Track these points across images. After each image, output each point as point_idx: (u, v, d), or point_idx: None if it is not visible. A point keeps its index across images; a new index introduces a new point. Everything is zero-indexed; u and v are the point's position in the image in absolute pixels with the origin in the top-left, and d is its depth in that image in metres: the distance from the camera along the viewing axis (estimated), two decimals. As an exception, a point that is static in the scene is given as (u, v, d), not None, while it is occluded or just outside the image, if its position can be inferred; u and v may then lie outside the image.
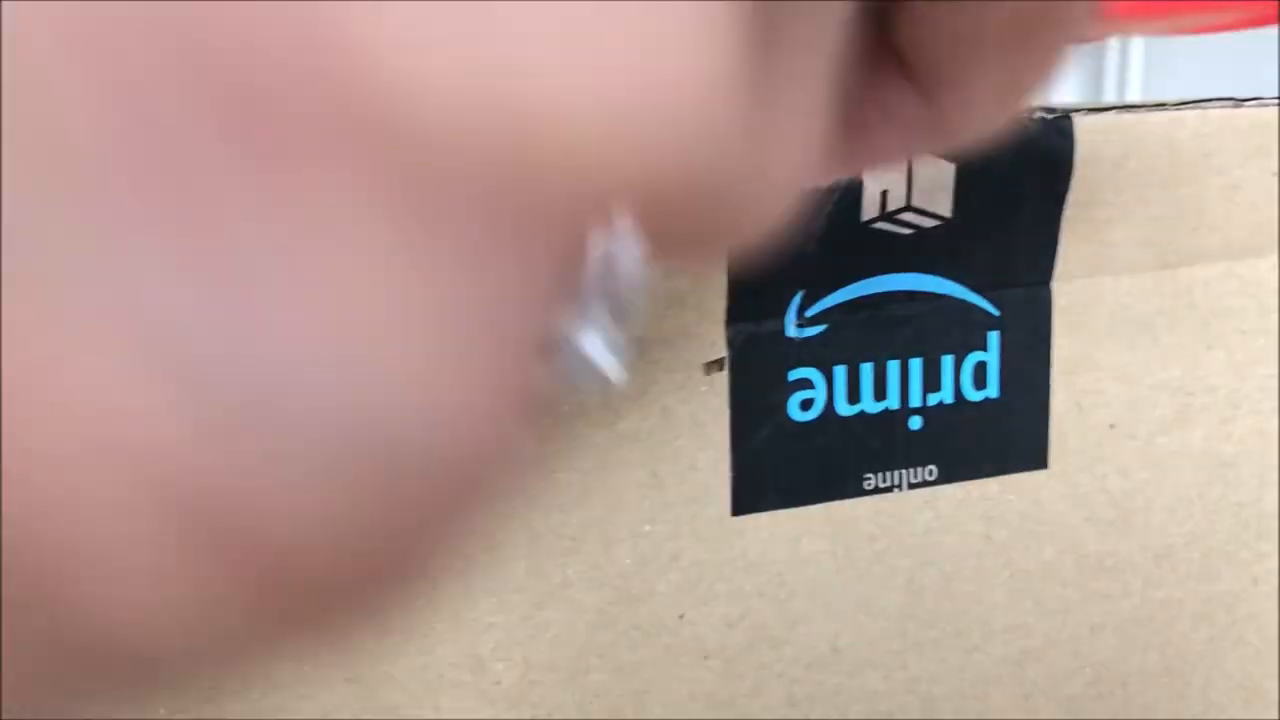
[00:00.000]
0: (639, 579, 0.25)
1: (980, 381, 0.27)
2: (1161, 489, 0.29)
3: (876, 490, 0.26)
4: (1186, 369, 0.29)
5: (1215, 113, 0.27)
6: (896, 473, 0.27)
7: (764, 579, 0.26)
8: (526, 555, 0.24)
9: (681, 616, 0.25)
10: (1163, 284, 0.28)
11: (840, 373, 0.25)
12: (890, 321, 0.26)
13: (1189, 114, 0.27)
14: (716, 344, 0.24)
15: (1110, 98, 1.18)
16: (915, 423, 0.26)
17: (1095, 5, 0.12)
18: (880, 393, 0.26)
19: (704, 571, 0.25)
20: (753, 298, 0.24)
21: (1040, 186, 0.26)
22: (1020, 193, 0.26)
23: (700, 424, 0.25)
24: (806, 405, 0.25)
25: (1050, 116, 0.25)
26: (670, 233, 0.08)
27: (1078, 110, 0.26)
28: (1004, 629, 0.29)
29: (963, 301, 0.26)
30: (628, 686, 0.25)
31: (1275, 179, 0.28)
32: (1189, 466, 0.29)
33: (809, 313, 0.25)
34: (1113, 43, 1.20)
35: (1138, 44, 1.19)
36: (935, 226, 0.25)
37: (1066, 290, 0.27)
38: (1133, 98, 1.20)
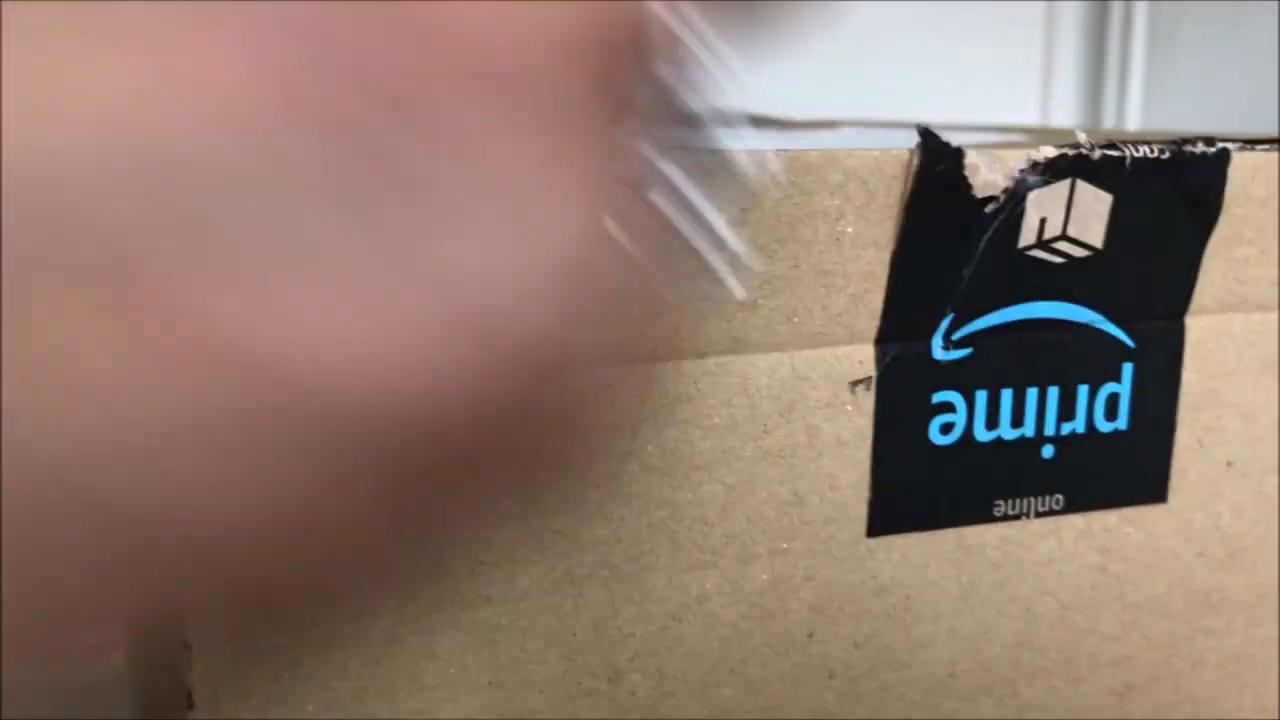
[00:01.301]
0: (774, 596, 0.24)
1: (1112, 413, 0.27)
2: (1271, 528, 0.29)
3: (1005, 517, 0.26)
4: (1310, 410, 0.28)
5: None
6: (1025, 500, 0.26)
7: (892, 601, 0.26)
8: (668, 567, 0.23)
9: (810, 635, 0.25)
10: (1291, 324, 0.28)
11: (981, 398, 0.25)
12: (1033, 349, 0.25)
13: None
14: (865, 363, 0.24)
15: (1109, 125, 1.18)
16: (1048, 451, 0.26)
17: None
18: (1018, 420, 0.26)
19: (835, 591, 0.25)
20: (905, 318, 0.24)
21: (1189, 220, 0.26)
22: (1170, 227, 0.26)
23: (844, 444, 0.24)
24: (946, 429, 0.25)
25: (1210, 151, 0.25)
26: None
27: (1234, 142, 0.25)
28: (1111, 661, 0.28)
29: (1102, 332, 0.26)
30: (755, 703, 0.25)
31: None
32: (1303, 508, 0.29)
33: (956, 335, 0.25)
34: (1112, 68, 1.19)
35: (1137, 68, 1.18)
36: (1086, 256, 0.25)
37: (1198, 325, 0.27)
38: (1132, 125, 1.19)
